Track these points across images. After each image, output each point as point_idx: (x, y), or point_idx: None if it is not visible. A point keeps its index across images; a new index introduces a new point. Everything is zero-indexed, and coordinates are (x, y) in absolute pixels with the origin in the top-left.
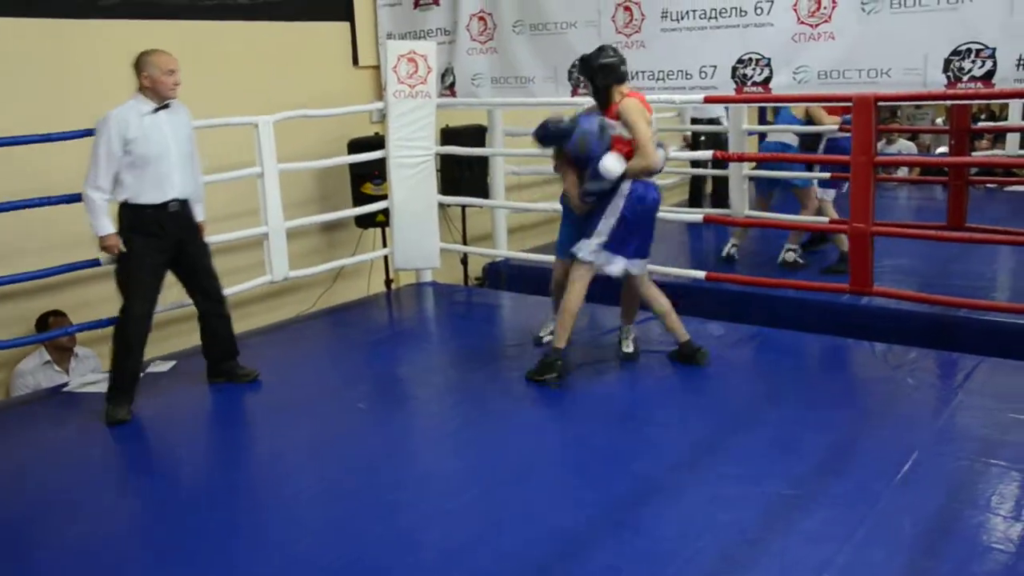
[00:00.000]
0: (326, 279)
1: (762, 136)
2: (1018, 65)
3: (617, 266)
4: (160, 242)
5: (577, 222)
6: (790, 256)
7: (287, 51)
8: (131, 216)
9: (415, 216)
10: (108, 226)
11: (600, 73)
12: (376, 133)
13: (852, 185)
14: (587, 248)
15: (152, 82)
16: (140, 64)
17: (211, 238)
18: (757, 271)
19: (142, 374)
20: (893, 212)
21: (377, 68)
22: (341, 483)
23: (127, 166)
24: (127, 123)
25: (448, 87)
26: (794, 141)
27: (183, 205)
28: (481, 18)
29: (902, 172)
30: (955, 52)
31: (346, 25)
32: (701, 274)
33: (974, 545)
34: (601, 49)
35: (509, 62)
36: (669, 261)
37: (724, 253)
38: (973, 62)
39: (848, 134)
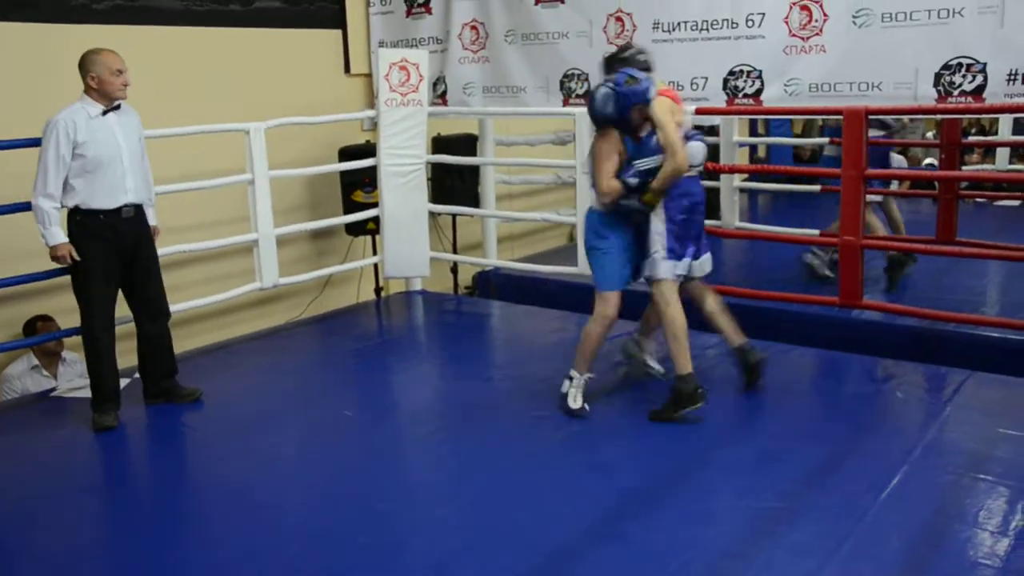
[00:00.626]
0: (316, 286)
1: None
2: (1008, 80)
3: (683, 266)
4: (114, 247)
5: (626, 247)
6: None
7: (279, 58)
8: (83, 222)
9: (405, 224)
10: (59, 235)
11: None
12: (367, 141)
13: (842, 198)
14: (660, 267)
15: (99, 83)
16: (85, 64)
17: (200, 244)
18: (750, 283)
19: (129, 380)
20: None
21: (369, 76)
22: (329, 490)
23: (77, 171)
24: (76, 126)
25: (440, 96)
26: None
27: (137, 210)
28: (473, 27)
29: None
30: (946, 66)
31: (338, 33)
32: None
33: (961, 560)
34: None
35: (501, 71)
36: None
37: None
38: (964, 76)
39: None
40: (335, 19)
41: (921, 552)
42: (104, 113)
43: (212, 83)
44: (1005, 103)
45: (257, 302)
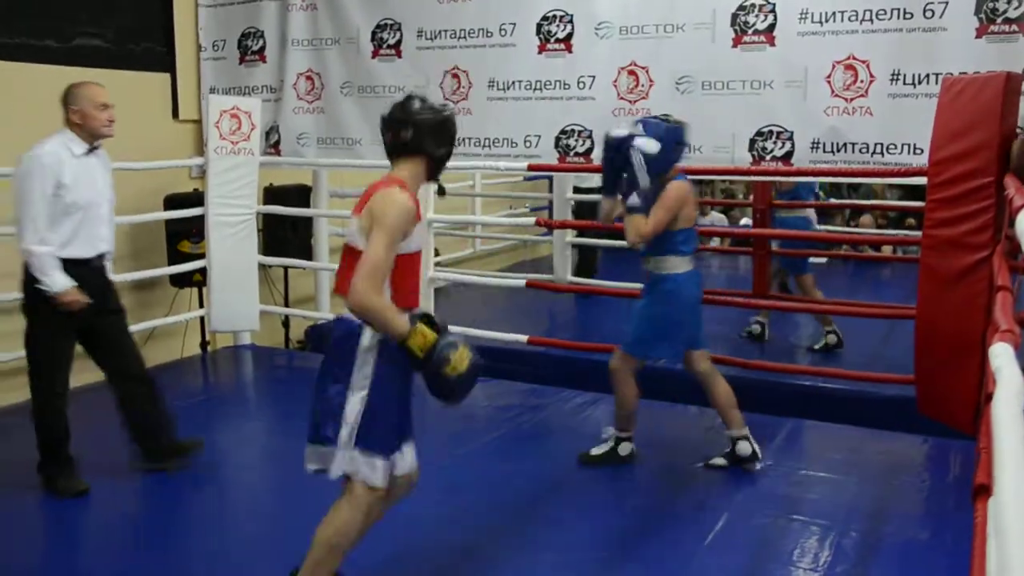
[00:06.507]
0: (137, 340)
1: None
2: (812, 147)
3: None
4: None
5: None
6: (832, 339)
7: None
8: None
9: (234, 276)
10: (64, 279)
11: None
12: (195, 189)
13: None
14: None
15: (82, 117)
16: (67, 97)
17: (4, 295)
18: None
19: None
20: (705, 281)
21: (198, 122)
22: (153, 560)
23: (54, 215)
24: (62, 165)
25: (272, 145)
26: (814, 218)
27: (102, 260)
28: (308, 77)
29: (713, 242)
30: (759, 133)
31: (166, 76)
32: (523, 338)
33: None
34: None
35: (336, 123)
36: (494, 326)
37: (745, 331)
38: (775, 143)
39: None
40: (163, 62)
41: None
42: (88, 152)
43: (22, 122)
44: (809, 167)
45: None
